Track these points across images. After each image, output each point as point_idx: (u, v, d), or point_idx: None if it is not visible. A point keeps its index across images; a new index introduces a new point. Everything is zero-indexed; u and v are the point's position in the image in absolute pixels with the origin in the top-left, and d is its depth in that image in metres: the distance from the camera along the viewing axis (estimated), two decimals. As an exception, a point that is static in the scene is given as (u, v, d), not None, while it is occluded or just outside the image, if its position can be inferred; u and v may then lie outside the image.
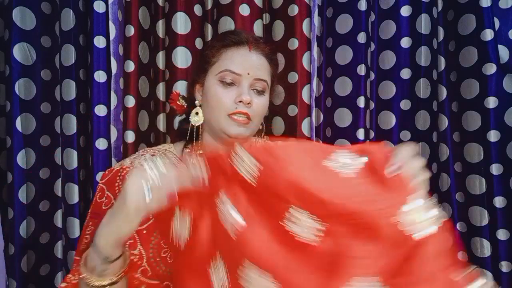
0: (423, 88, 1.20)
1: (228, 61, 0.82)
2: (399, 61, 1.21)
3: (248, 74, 0.80)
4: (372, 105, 1.24)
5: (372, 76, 1.23)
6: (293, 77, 1.18)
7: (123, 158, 1.09)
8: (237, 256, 0.57)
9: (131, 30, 1.10)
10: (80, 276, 0.60)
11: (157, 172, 0.57)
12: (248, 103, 0.79)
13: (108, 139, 1.09)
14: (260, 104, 0.82)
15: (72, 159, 1.09)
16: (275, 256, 0.55)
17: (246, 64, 0.81)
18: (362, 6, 1.15)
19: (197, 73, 0.87)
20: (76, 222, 1.09)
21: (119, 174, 0.80)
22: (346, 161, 0.58)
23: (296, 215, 0.55)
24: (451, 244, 0.53)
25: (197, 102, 0.86)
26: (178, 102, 0.91)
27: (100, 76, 1.08)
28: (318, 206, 0.54)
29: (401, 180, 0.54)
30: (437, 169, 1.21)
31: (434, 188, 1.21)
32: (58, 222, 1.16)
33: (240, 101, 0.78)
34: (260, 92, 0.82)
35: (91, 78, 1.07)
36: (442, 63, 1.20)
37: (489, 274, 1.12)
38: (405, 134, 1.22)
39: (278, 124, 1.22)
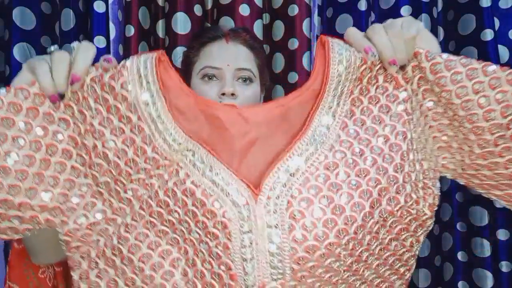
0: (423, 88, 1.20)
1: (207, 58, 0.80)
2: (399, 61, 1.20)
3: (228, 65, 0.78)
4: (372, 105, 1.23)
5: (372, 76, 1.23)
6: (293, 77, 1.18)
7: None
8: None
9: (131, 30, 1.10)
10: None
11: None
12: (232, 94, 0.76)
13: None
14: (247, 93, 0.79)
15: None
16: None
17: (224, 56, 0.79)
18: (362, 6, 1.15)
19: (184, 76, 0.85)
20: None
21: None
22: None
23: None
24: None
25: None
26: None
27: (100, 76, 1.08)
28: None
29: None
30: (437, 169, 1.21)
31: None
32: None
33: (223, 94, 0.76)
34: (247, 81, 0.80)
35: (91, 78, 1.07)
36: (442, 63, 1.20)
37: (489, 274, 1.12)
38: (405, 134, 1.22)
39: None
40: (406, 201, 0.50)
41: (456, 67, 0.49)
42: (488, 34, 1.08)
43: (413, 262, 0.56)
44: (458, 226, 1.17)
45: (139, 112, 0.49)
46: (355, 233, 0.48)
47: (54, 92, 0.46)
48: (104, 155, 0.49)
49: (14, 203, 0.47)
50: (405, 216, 0.51)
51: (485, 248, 1.12)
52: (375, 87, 0.52)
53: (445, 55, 0.50)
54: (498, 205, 1.10)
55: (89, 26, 1.09)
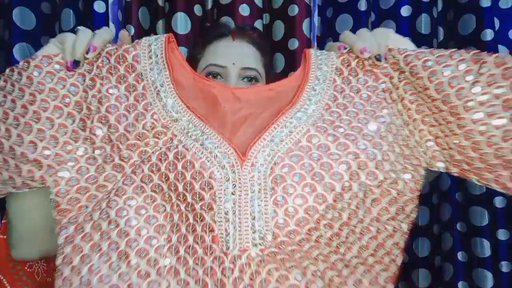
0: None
1: (212, 55, 0.78)
2: (399, 61, 1.20)
3: (234, 64, 0.75)
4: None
5: (372, 76, 1.23)
6: (293, 77, 1.18)
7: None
8: None
9: (131, 30, 1.10)
10: None
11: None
12: None
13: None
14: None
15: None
16: None
17: (230, 54, 0.77)
18: (362, 6, 1.15)
19: None
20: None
21: None
22: None
23: None
24: None
25: None
26: None
27: (100, 76, 1.08)
28: None
29: None
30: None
31: (434, 188, 1.21)
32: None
33: None
34: (252, 80, 0.78)
35: (91, 78, 1.07)
36: (442, 63, 1.20)
37: (489, 274, 1.12)
38: (405, 134, 1.22)
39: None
40: (385, 178, 0.53)
41: (426, 56, 0.55)
42: (488, 34, 1.08)
43: (397, 253, 0.57)
44: (458, 226, 1.17)
45: (145, 81, 0.57)
46: (334, 201, 0.51)
47: (72, 58, 0.56)
48: (106, 118, 0.55)
49: (17, 153, 0.54)
50: (385, 195, 0.54)
51: (485, 248, 1.12)
52: (356, 79, 0.59)
53: (417, 49, 0.57)
54: (498, 205, 1.10)
55: (89, 26, 1.09)
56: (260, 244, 0.51)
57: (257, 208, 0.52)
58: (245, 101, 0.58)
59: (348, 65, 0.59)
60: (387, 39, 0.59)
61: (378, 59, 0.58)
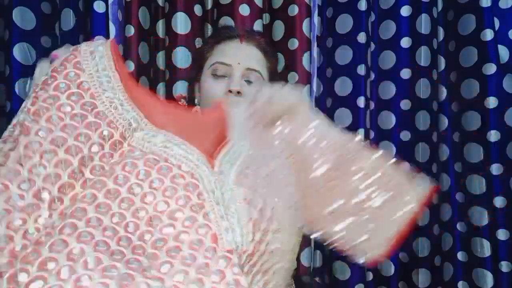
0: (423, 88, 1.20)
1: (219, 54, 0.81)
2: (399, 61, 1.21)
3: (239, 64, 0.79)
4: (372, 105, 1.23)
5: (372, 76, 1.23)
6: (293, 77, 1.18)
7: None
8: None
9: (131, 30, 1.10)
10: None
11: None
12: (238, 92, 0.76)
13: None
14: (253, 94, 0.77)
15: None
16: None
17: (237, 55, 0.80)
18: (362, 6, 1.15)
19: (194, 71, 0.87)
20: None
21: None
22: None
23: None
24: None
25: (196, 101, 0.86)
26: (179, 103, 0.91)
27: (100, 76, 1.08)
28: None
29: None
30: (437, 169, 1.21)
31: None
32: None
33: (230, 91, 0.76)
34: (253, 83, 0.80)
35: (91, 78, 1.07)
36: (442, 63, 1.20)
37: (489, 274, 1.12)
38: (405, 134, 1.22)
39: (278, 124, 1.22)
40: None
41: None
42: (488, 34, 1.08)
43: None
44: (458, 226, 1.17)
45: (92, 89, 0.57)
46: None
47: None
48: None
49: None
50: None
51: (485, 248, 1.12)
52: None
53: None
54: (498, 205, 1.10)
55: (89, 26, 1.09)
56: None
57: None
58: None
59: None
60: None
61: None
